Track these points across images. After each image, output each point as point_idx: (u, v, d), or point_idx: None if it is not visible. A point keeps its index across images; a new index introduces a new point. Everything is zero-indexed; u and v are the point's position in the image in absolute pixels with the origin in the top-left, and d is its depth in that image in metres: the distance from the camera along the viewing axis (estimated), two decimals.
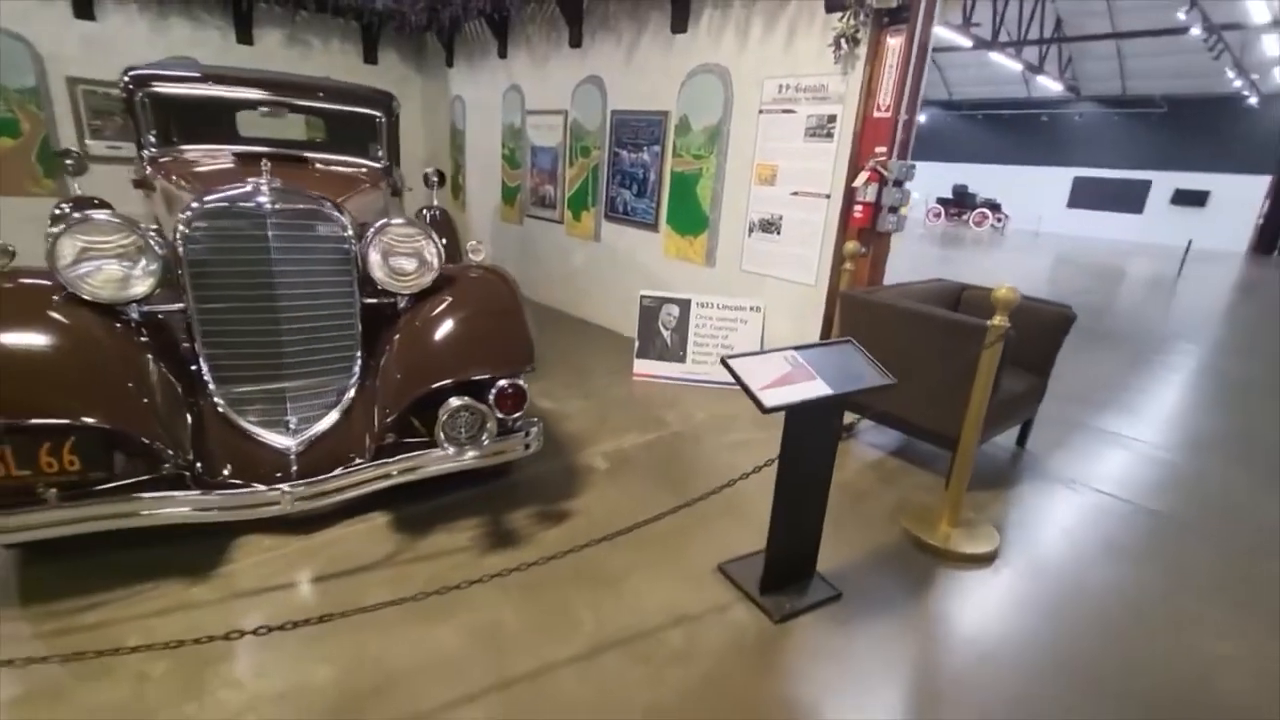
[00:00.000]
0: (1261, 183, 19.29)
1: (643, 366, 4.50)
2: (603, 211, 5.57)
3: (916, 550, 2.64)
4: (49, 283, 2.08)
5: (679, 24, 4.61)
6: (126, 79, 3.37)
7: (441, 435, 2.25)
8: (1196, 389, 5.32)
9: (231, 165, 3.28)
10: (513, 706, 1.77)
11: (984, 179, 23.73)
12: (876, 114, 3.61)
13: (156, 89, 3.34)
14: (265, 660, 1.86)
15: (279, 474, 2.26)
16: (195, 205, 2.26)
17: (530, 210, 6.49)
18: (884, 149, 3.60)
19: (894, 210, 3.76)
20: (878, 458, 3.51)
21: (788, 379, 2.00)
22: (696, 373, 4.45)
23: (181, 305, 2.29)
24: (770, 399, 1.88)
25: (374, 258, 2.48)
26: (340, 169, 3.53)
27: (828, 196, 3.91)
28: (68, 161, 2.96)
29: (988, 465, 3.44)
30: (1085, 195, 22.79)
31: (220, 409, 2.31)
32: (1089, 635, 2.22)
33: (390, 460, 2.32)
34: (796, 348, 2.17)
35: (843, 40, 3.57)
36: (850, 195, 3.76)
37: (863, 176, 3.64)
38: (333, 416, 2.46)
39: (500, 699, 1.79)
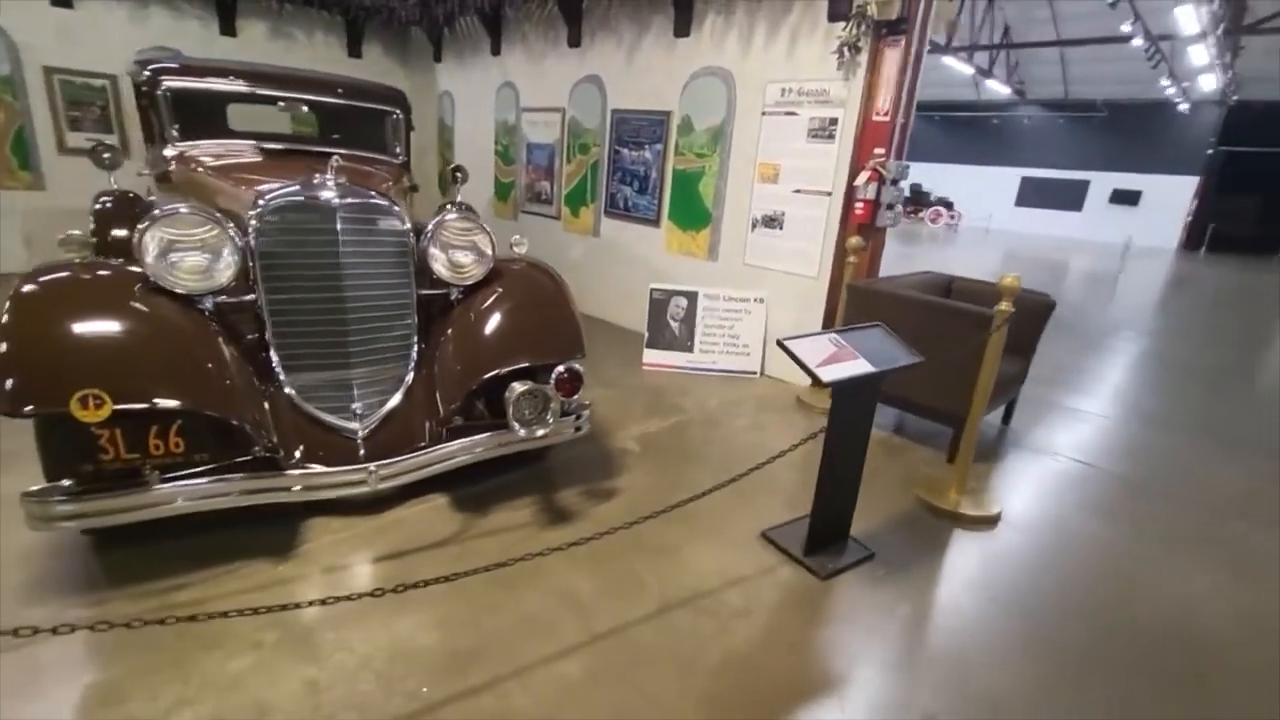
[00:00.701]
0: (1190, 183, 20.76)
1: (652, 356, 4.70)
2: (602, 207, 5.72)
3: (931, 515, 2.92)
4: (111, 274, 2.13)
5: (681, 28, 4.80)
6: (147, 72, 3.36)
7: (512, 418, 2.40)
8: (1143, 371, 5.86)
9: (260, 159, 3.33)
10: (603, 659, 1.95)
11: (938, 178, 24.72)
12: (876, 117, 3.89)
13: (182, 83, 3.34)
14: (368, 628, 1.98)
15: (344, 457, 2.37)
16: (264, 200, 2.34)
17: (525, 206, 6.59)
18: (883, 150, 3.88)
19: (890, 207, 4.06)
20: (881, 436, 3.79)
21: (835, 358, 2.23)
22: (703, 361, 4.67)
23: (251, 297, 2.37)
24: (826, 375, 2.11)
25: (434, 252, 2.61)
26: (365, 166, 3.59)
27: (829, 194, 4.18)
28: (104, 155, 2.95)
29: (980, 440, 3.75)
30: (1031, 194, 24.03)
31: (291, 396, 2.40)
32: (1085, 579, 2.54)
33: (463, 440, 2.45)
34: (836, 330, 2.40)
35: (845, 48, 3.83)
36: (851, 193, 4.04)
37: (864, 175, 3.91)
38: (393, 402, 2.58)
39: (591, 652, 1.97)
